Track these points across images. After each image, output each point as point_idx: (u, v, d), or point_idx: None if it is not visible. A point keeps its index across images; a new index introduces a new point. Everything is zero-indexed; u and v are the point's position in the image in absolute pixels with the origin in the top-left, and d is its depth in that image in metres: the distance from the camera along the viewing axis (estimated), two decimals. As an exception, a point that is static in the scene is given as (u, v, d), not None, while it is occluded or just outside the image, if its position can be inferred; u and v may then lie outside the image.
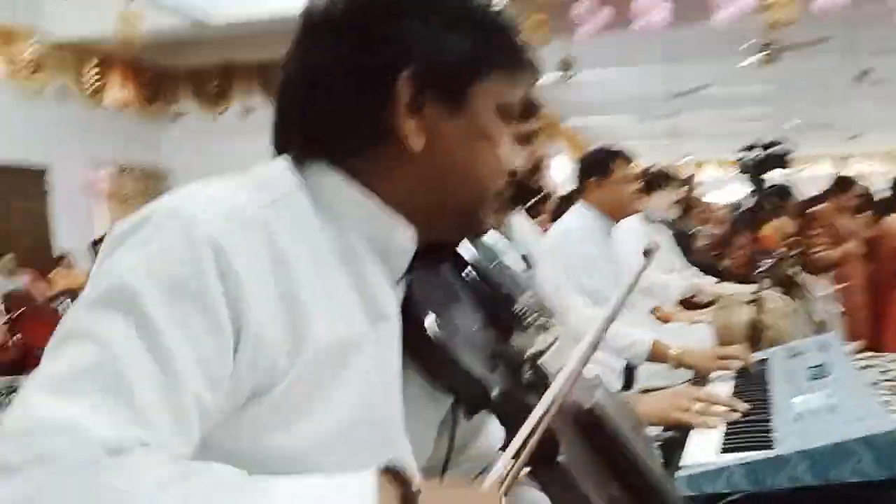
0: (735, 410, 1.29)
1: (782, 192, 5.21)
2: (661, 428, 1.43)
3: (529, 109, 1.62)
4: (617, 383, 2.03)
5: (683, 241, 3.72)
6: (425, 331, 0.68)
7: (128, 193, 8.98)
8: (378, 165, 0.70)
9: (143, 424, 0.53)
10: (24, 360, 5.86)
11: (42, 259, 7.69)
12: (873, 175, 12.88)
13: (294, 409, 0.61)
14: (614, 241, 2.41)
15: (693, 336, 2.60)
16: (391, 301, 0.71)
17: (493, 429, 0.82)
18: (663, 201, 3.40)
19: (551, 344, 0.74)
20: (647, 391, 1.64)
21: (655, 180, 3.41)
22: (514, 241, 1.68)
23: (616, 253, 2.37)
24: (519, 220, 1.75)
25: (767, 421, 1.21)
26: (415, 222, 0.72)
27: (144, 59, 8.90)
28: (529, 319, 0.77)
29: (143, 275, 0.58)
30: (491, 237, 0.90)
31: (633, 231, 3.02)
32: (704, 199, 7.02)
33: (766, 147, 3.41)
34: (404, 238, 0.71)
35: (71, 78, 8.23)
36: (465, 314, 0.73)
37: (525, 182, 1.60)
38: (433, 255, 0.76)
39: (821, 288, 4.43)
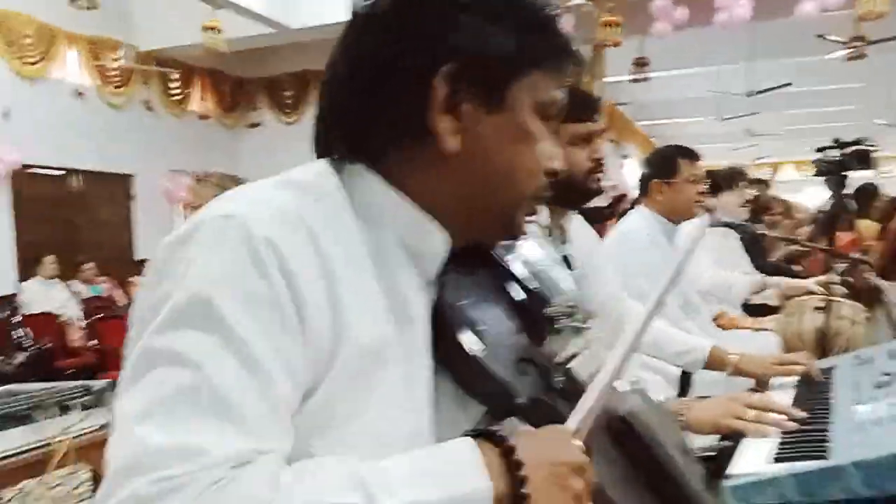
0: (792, 419, 1.24)
1: (866, 192, 4.98)
2: (718, 437, 1.40)
3: (589, 109, 1.61)
4: (672, 390, 1.98)
5: (755, 244, 3.60)
6: (453, 335, 0.68)
7: (206, 201, 9.26)
8: (414, 167, 0.70)
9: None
10: (101, 364, 6.20)
11: (126, 265, 8.07)
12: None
13: (332, 413, 0.61)
14: (678, 244, 2.35)
15: (758, 344, 2.51)
16: (422, 305, 0.70)
17: None
18: (732, 202, 3.30)
19: (584, 348, 0.74)
20: (703, 399, 1.60)
21: (723, 181, 3.32)
22: (567, 244, 1.68)
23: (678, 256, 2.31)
24: (576, 223, 1.74)
25: (825, 430, 1.17)
26: (450, 224, 0.71)
27: (224, 69, 9.26)
28: (563, 323, 0.77)
29: (212, 284, 0.58)
30: (533, 239, 0.89)
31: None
32: (787, 201, 6.74)
33: (844, 146, 3.24)
34: (438, 242, 0.71)
35: (156, 88, 8.63)
36: (497, 317, 0.73)
37: (582, 183, 1.59)
38: (467, 257, 0.76)
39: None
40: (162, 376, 0.55)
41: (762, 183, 6.21)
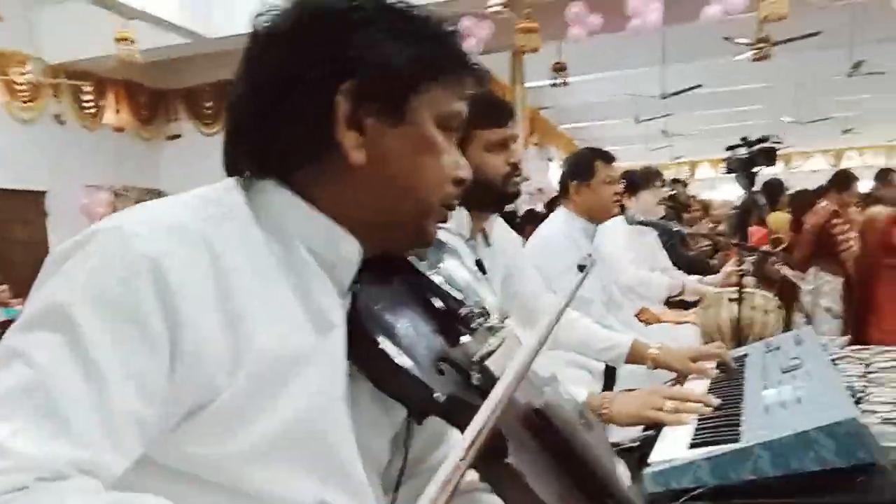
0: (708, 406, 1.31)
1: (773, 187, 5.25)
2: (641, 428, 1.45)
3: (503, 115, 1.65)
4: (598, 385, 2.05)
5: (672, 241, 3.74)
6: (371, 340, 0.69)
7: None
8: (323, 179, 0.72)
9: (74, 443, 0.53)
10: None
11: (43, 283, 7.71)
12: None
13: (231, 423, 0.62)
14: (597, 242, 2.43)
15: (679, 336, 2.62)
16: (337, 313, 0.72)
17: (455, 437, 0.83)
18: (650, 201, 3.42)
19: (499, 346, 0.75)
20: (628, 391, 1.66)
21: (640, 180, 3.44)
22: (491, 247, 1.71)
23: (600, 255, 2.39)
24: (498, 226, 1.78)
25: (737, 415, 1.23)
26: (361, 234, 0.73)
27: (140, 81, 8.99)
28: (478, 322, 0.78)
29: (78, 292, 0.58)
30: (446, 242, 0.91)
31: (616, 232, 3.04)
32: (702, 198, 7.03)
33: (751, 144, 3.41)
34: (350, 251, 0.73)
35: (68, 101, 8.31)
36: (413, 321, 0.74)
37: (500, 188, 1.63)
38: (381, 264, 0.78)
39: (826, 281, 4.47)
40: (7, 372, 0.55)
41: (680, 182, 6.45)
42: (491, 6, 6.63)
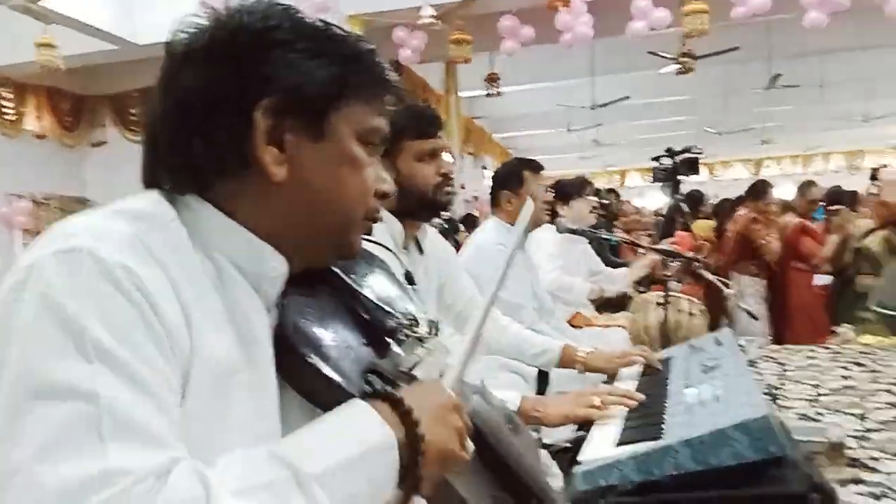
0: (633, 400, 1.37)
1: (693, 197, 5.50)
2: (574, 430, 1.51)
3: (433, 126, 1.69)
4: (531, 389, 2.11)
5: (602, 248, 3.86)
6: (299, 354, 0.70)
7: (49, 225, 8.64)
8: (244, 195, 0.72)
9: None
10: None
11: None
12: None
13: (188, 430, 0.61)
14: (529, 251, 2.49)
15: (611, 339, 2.71)
16: (265, 326, 0.72)
17: None
18: (582, 210, 3.52)
19: (427, 356, 0.77)
20: (561, 394, 1.71)
21: (572, 189, 3.54)
22: (424, 256, 1.75)
23: (531, 263, 2.45)
24: (431, 235, 1.81)
25: (661, 413, 1.30)
26: (285, 249, 0.74)
27: (63, 87, 8.68)
28: (406, 333, 0.80)
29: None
30: (375, 254, 0.93)
31: (547, 241, 3.12)
32: (633, 205, 7.27)
33: (675, 154, 3.56)
34: (274, 266, 0.73)
35: (-14, 108, 7.97)
36: (341, 333, 0.75)
37: (431, 198, 1.66)
38: (308, 277, 0.79)
39: (747, 284, 4.72)
40: (48, 412, 0.54)
41: (613, 192, 6.65)
42: (423, 17, 6.69)
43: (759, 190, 4.93)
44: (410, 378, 0.74)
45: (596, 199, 3.57)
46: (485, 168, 12.74)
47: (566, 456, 1.38)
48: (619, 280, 3.39)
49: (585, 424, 1.43)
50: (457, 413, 0.69)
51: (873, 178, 6.71)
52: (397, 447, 0.64)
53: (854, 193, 6.49)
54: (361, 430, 0.64)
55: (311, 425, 0.64)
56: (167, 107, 0.72)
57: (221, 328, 0.67)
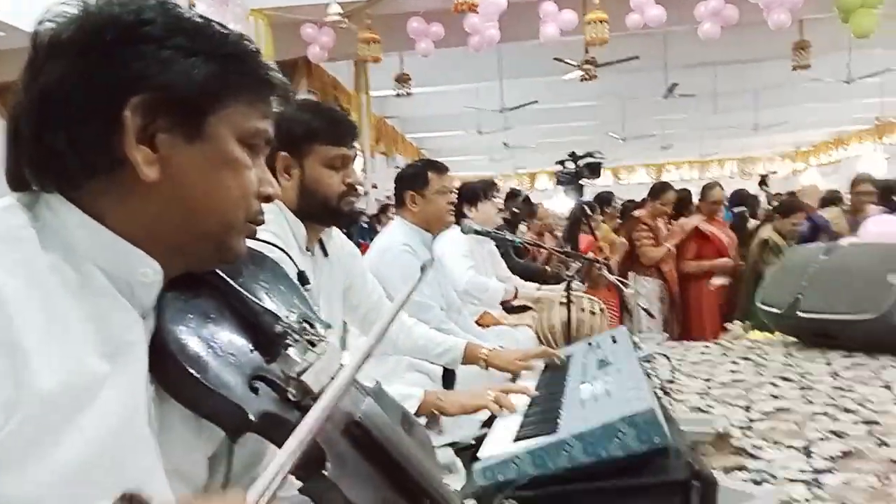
0: (528, 394, 1.43)
1: (601, 199, 5.71)
2: (478, 427, 1.55)
3: (346, 134, 1.67)
4: (437, 387, 2.14)
5: (510, 250, 3.96)
6: (177, 362, 0.67)
7: None
8: (114, 196, 0.68)
9: None
10: None
11: None
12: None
13: (16, 458, 0.57)
14: (436, 252, 2.53)
15: (518, 338, 2.78)
16: (139, 334, 0.69)
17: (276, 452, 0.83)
18: (489, 212, 3.60)
19: (317, 360, 0.75)
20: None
21: (479, 191, 3.60)
22: (328, 259, 1.74)
23: (439, 264, 2.49)
24: (335, 237, 1.81)
25: (558, 409, 1.35)
26: (160, 253, 0.70)
27: None
28: (294, 338, 0.77)
29: None
30: (266, 255, 0.91)
31: (454, 242, 3.17)
32: (545, 209, 7.46)
33: (578, 158, 3.68)
34: (146, 272, 0.70)
35: None
36: (225, 338, 0.73)
37: (335, 206, 1.65)
38: (190, 280, 0.76)
39: (643, 284, 4.94)
40: None
41: (519, 195, 6.80)
42: (331, 15, 6.66)
43: (657, 191, 5.18)
44: (299, 383, 0.72)
45: (501, 201, 3.65)
46: (397, 168, 12.77)
47: (469, 453, 1.41)
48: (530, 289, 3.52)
49: (491, 423, 1.47)
50: None
51: (762, 183, 7.16)
52: None
53: (755, 197, 6.94)
54: None
55: None
56: (32, 100, 0.67)
57: (76, 346, 0.62)
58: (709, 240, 5.06)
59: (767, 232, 4.94)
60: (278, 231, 1.49)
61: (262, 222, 0.79)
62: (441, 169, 2.52)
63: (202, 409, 0.69)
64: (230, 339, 0.73)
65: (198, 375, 0.67)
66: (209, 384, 0.67)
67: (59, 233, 0.66)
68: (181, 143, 0.69)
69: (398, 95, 8.47)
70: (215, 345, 0.71)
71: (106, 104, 0.66)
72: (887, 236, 3.71)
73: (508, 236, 2.95)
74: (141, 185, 0.68)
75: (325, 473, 0.69)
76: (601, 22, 6.73)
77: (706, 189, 5.32)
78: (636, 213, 5.28)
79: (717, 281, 5.00)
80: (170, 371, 0.68)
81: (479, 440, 1.44)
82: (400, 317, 1.97)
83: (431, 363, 2.03)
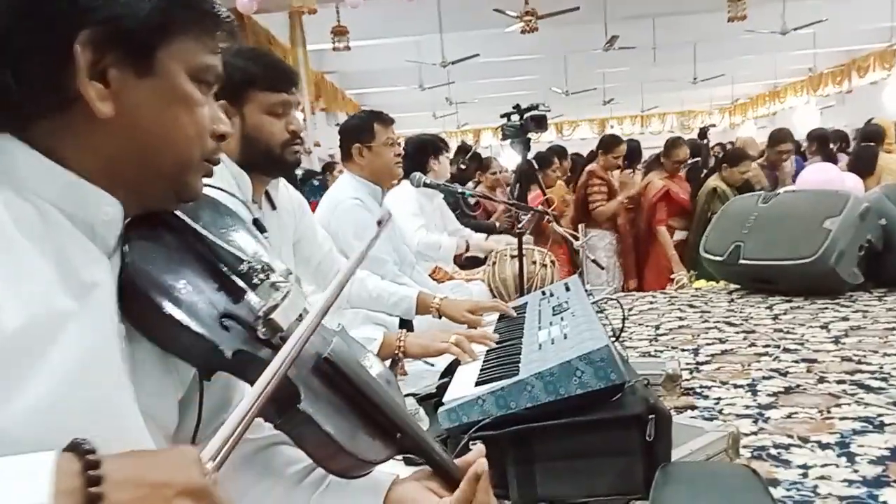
0: (489, 340, 1.44)
1: (557, 151, 5.70)
2: (438, 376, 1.56)
3: (286, 80, 1.62)
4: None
5: (458, 203, 3.96)
6: (148, 298, 0.67)
7: None
8: (68, 134, 0.67)
9: None
10: None
11: None
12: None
13: None
14: (387, 205, 2.50)
15: (473, 291, 2.80)
16: (103, 274, 0.68)
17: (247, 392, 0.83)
18: (444, 167, 3.58)
19: (283, 299, 0.74)
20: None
21: (432, 147, 3.57)
22: (276, 211, 1.71)
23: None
24: (282, 189, 1.77)
25: (518, 353, 1.37)
26: (118, 192, 0.70)
27: None
28: (260, 278, 0.77)
29: None
30: (220, 200, 0.89)
31: (403, 199, 3.15)
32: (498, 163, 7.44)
33: (524, 112, 3.68)
34: (107, 210, 0.69)
35: None
36: (192, 278, 0.73)
37: (279, 154, 1.61)
38: (152, 222, 0.76)
39: (597, 237, 4.98)
40: None
41: (468, 151, 6.78)
42: (262, -36, 6.45)
43: (608, 144, 5.15)
44: (269, 321, 0.72)
45: (447, 156, 3.63)
46: (338, 125, 12.59)
47: (431, 402, 1.43)
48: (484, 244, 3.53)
49: (450, 373, 1.48)
50: (193, 499, 0.54)
51: (702, 136, 7.29)
52: None
53: (708, 147, 7.05)
54: (17, 481, 0.49)
55: None
56: None
57: (37, 285, 0.61)
58: (673, 199, 5.09)
59: (715, 181, 5.03)
60: (222, 184, 1.45)
61: (218, 162, 0.79)
62: (386, 120, 2.48)
63: (175, 347, 0.69)
64: (195, 278, 0.73)
65: (171, 312, 0.67)
66: (183, 321, 0.67)
67: (9, 173, 0.64)
68: (133, 78, 0.68)
69: (335, 49, 8.28)
70: (184, 282, 0.71)
71: (54, 39, 0.64)
72: (824, 183, 3.85)
73: (459, 189, 2.94)
74: (95, 123, 0.67)
75: (300, 407, 0.70)
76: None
77: (670, 147, 5.26)
78: (589, 167, 5.25)
79: (678, 235, 5.01)
80: (142, 309, 0.68)
81: (440, 389, 1.45)
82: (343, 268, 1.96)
83: (387, 315, 2.03)
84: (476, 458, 0.81)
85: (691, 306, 3.31)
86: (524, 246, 2.70)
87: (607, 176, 5.07)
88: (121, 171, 0.70)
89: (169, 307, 0.67)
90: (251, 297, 0.76)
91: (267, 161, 1.59)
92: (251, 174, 1.60)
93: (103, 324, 0.66)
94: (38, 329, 0.60)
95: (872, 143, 5.61)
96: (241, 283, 0.76)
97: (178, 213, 0.78)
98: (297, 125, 1.62)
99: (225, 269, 0.77)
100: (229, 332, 0.70)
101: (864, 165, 5.16)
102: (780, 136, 5.28)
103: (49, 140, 0.67)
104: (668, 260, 4.90)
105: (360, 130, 2.45)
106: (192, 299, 0.70)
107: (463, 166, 6.14)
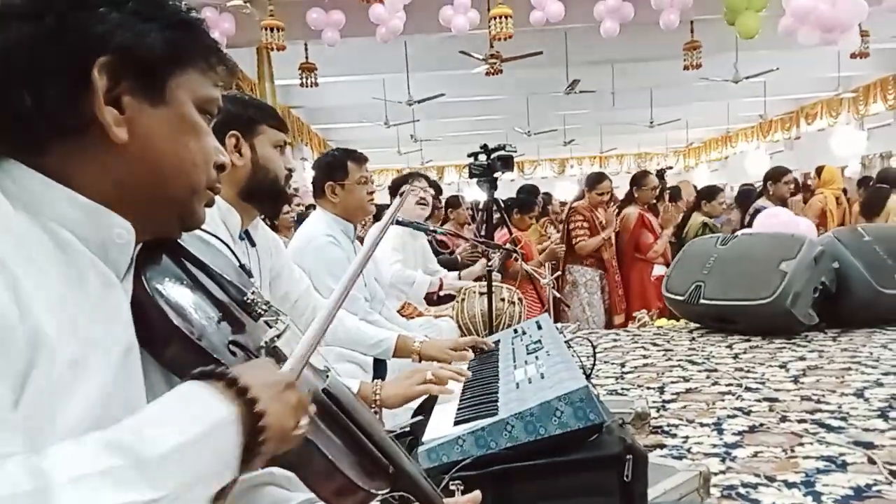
0: (463, 376, 1.45)
1: (531, 191, 5.74)
2: (410, 415, 1.56)
3: (282, 122, 1.73)
4: (368, 376, 2.14)
5: (434, 242, 3.98)
6: (167, 321, 0.69)
7: None
8: (81, 159, 0.69)
9: None
10: None
11: None
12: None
13: (36, 425, 0.58)
14: (370, 236, 2.51)
15: (442, 329, 2.81)
16: (118, 297, 0.69)
17: None
18: (411, 202, 3.60)
19: (286, 329, 0.78)
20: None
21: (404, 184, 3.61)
22: (255, 248, 1.71)
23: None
24: (261, 228, 1.78)
25: (495, 392, 1.38)
26: (129, 216, 0.71)
27: None
28: (263, 308, 0.81)
29: None
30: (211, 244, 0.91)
31: (391, 229, 3.17)
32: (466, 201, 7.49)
33: (491, 151, 3.73)
34: (119, 232, 0.71)
35: None
36: (200, 305, 0.75)
37: (283, 189, 1.69)
38: (159, 247, 0.77)
39: (582, 274, 4.99)
40: None
41: (437, 186, 6.82)
42: (232, 1, 6.48)
43: (593, 181, 5.21)
44: (271, 352, 0.74)
45: (419, 188, 3.66)
46: (304, 159, 12.55)
47: (405, 440, 1.42)
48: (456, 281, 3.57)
49: (423, 411, 1.49)
50: (291, 390, 0.67)
51: (660, 177, 7.47)
52: (239, 422, 0.61)
53: (678, 188, 7.24)
54: (200, 408, 0.60)
55: (147, 407, 0.61)
56: None
57: (66, 306, 0.63)
58: (651, 229, 5.17)
59: (700, 217, 5.33)
60: (209, 225, 1.47)
61: (219, 191, 0.81)
62: (360, 159, 2.51)
63: (186, 369, 0.69)
64: (205, 304, 0.75)
65: (188, 334, 0.68)
66: (196, 344, 0.68)
67: (21, 198, 0.65)
68: (146, 106, 0.71)
69: (302, 85, 8.31)
70: (194, 308, 0.73)
71: (72, 64, 0.66)
72: (778, 227, 3.98)
73: (431, 227, 2.96)
74: (108, 148, 0.69)
75: (308, 437, 0.71)
76: (506, 17, 6.85)
77: (640, 178, 5.37)
78: (574, 203, 5.28)
79: (659, 272, 5.05)
80: (156, 331, 0.69)
81: (412, 426, 1.45)
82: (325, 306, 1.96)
83: (363, 354, 2.03)
84: (469, 502, 0.83)
85: (654, 344, 3.38)
86: (493, 283, 2.74)
87: (590, 213, 5.10)
88: (130, 196, 0.71)
89: (182, 330, 0.69)
90: (253, 327, 0.78)
91: (272, 192, 1.67)
92: (245, 206, 1.65)
93: (124, 348, 0.68)
94: (74, 359, 0.61)
95: (886, 186, 5.90)
96: (244, 313, 0.79)
97: (180, 242, 0.80)
98: (292, 165, 1.72)
99: (228, 298, 0.79)
100: (236, 358, 0.72)
101: (874, 206, 5.53)
102: (784, 170, 5.47)
103: (61, 165, 0.68)
104: (653, 297, 4.92)
105: (333, 168, 2.47)
106: (203, 324, 0.71)
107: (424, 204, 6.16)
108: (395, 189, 3.52)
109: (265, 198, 1.67)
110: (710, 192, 5.85)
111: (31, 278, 0.60)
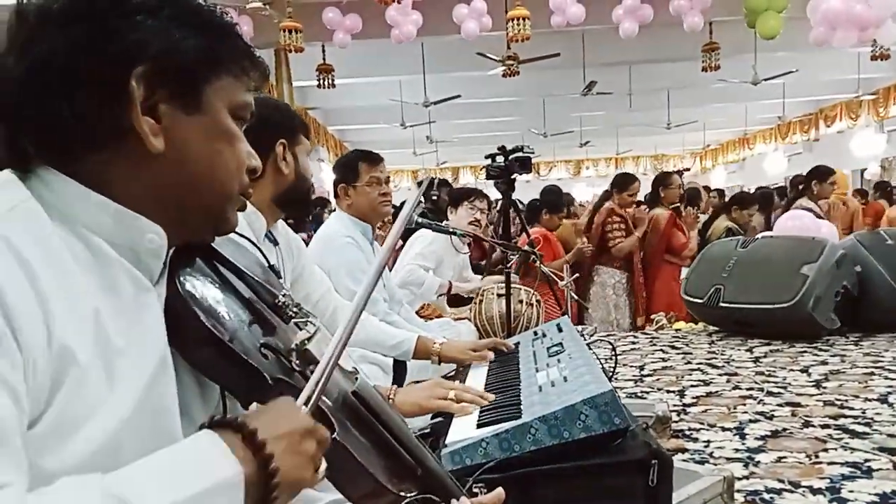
0: (485, 399, 1.44)
1: (556, 192, 5.69)
2: (429, 417, 1.55)
3: (308, 132, 1.74)
4: (388, 379, 2.14)
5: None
6: (195, 326, 0.69)
7: None
8: (115, 167, 0.69)
9: None
10: None
11: None
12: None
13: (62, 432, 0.59)
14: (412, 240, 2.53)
15: (461, 331, 2.80)
16: (151, 303, 0.70)
17: None
18: (462, 217, 3.71)
19: (316, 331, 0.78)
20: (417, 383, 1.76)
21: (460, 196, 3.73)
22: (278, 248, 1.72)
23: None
24: (282, 229, 1.79)
25: (517, 395, 1.38)
26: (162, 222, 0.71)
27: None
28: (293, 311, 0.81)
29: None
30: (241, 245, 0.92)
31: (420, 238, 3.24)
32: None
33: (508, 153, 3.73)
34: (152, 238, 0.71)
35: None
36: (232, 308, 0.75)
37: (310, 193, 1.73)
38: (192, 251, 0.78)
39: (610, 276, 4.97)
40: None
41: (446, 185, 6.81)
42: (253, 2, 6.52)
43: (622, 182, 5.12)
44: (303, 352, 0.74)
45: (478, 209, 3.75)
46: (321, 161, 12.60)
47: (427, 441, 1.42)
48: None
49: (444, 413, 1.48)
50: (311, 437, 0.65)
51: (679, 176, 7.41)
52: (244, 483, 0.59)
53: (696, 190, 7.19)
54: (206, 465, 0.58)
55: (153, 457, 0.59)
56: (25, 74, 0.66)
57: (97, 314, 0.63)
58: (682, 230, 5.10)
59: (725, 221, 5.27)
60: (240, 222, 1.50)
61: (251, 196, 0.81)
62: (374, 159, 2.51)
63: (218, 372, 0.70)
64: (237, 307, 0.76)
65: (222, 337, 0.69)
66: (231, 345, 0.69)
67: (57, 206, 0.66)
68: (181, 114, 0.71)
69: (320, 85, 8.34)
70: (227, 311, 0.73)
71: (109, 75, 0.66)
72: (799, 230, 3.94)
73: (450, 228, 2.96)
74: (143, 157, 0.69)
75: (336, 437, 0.71)
76: (524, 19, 6.83)
77: (665, 178, 5.30)
78: (607, 205, 5.21)
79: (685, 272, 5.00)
80: (188, 335, 0.70)
81: (432, 428, 1.45)
82: (347, 307, 1.96)
83: (383, 355, 2.03)
84: (493, 500, 0.83)
85: (673, 347, 3.35)
86: (511, 285, 2.73)
87: (624, 213, 5.02)
88: (164, 202, 0.71)
89: (216, 333, 0.69)
90: (284, 329, 0.78)
91: (305, 198, 1.74)
92: (275, 211, 1.69)
93: (155, 353, 0.68)
94: (99, 361, 0.62)
95: None
96: (275, 316, 0.79)
97: (213, 246, 0.81)
98: (311, 171, 1.78)
99: (260, 301, 0.79)
100: (268, 361, 0.72)
101: None
102: (828, 170, 5.35)
103: (96, 172, 0.68)
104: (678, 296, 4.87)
105: (346, 170, 2.49)
106: (235, 327, 0.72)
107: (434, 197, 6.12)
108: (455, 201, 3.74)
109: (301, 205, 1.74)
110: (742, 200, 5.81)
111: (62, 294, 0.60)
